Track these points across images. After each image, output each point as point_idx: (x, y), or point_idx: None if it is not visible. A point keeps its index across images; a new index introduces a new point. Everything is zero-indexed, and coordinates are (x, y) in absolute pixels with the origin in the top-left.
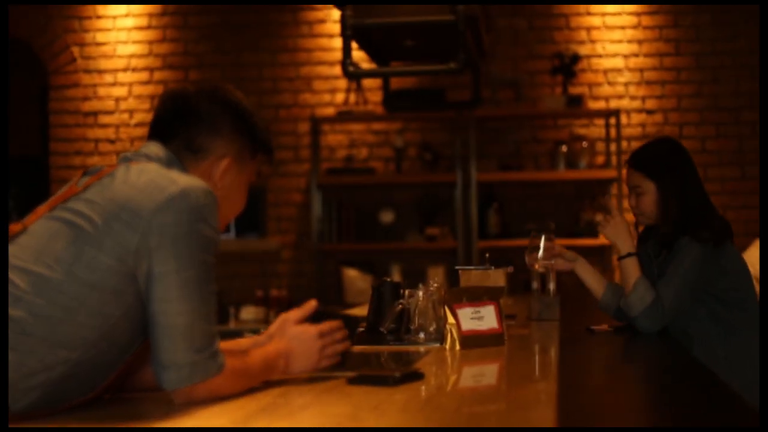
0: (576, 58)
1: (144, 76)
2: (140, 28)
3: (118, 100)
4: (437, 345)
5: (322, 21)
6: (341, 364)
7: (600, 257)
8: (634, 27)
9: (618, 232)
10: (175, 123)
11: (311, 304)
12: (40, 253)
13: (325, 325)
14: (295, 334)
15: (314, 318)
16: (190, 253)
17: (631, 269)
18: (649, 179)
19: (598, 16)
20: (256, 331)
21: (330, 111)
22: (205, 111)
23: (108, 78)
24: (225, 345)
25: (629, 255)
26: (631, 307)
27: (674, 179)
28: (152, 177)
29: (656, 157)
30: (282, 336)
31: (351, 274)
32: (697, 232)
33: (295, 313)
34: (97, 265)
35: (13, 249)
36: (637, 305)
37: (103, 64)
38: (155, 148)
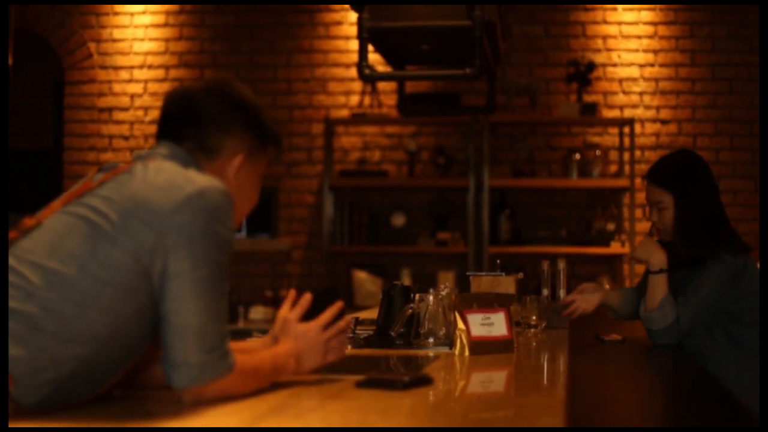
0: (591, 66)
1: (160, 73)
2: (157, 26)
3: (133, 96)
4: (446, 350)
5: (339, 23)
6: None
7: (610, 266)
8: (651, 36)
9: (648, 248)
10: (185, 124)
11: (306, 298)
12: (54, 248)
13: (326, 316)
14: (300, 332)
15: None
16: (206, 253)
17: (660, 285)
18: (670, 193)
19: (615, 25)
20: (265, 332)
21: (344, 113)
22: (214, 111)
23: (124, 74)
24: (235, 346)
25: (661, 271)
26: (652, 321)
27: (693, 192)
28: (170, 176)
29: (675, 170)
30: (288, 336)
31: (361, 276)
32: (720, 253)
33: (294, 312)
34: (111, 262)
35: (26, 243)
36: (659, 322)
37: (120, 60)
38: (169, 148)
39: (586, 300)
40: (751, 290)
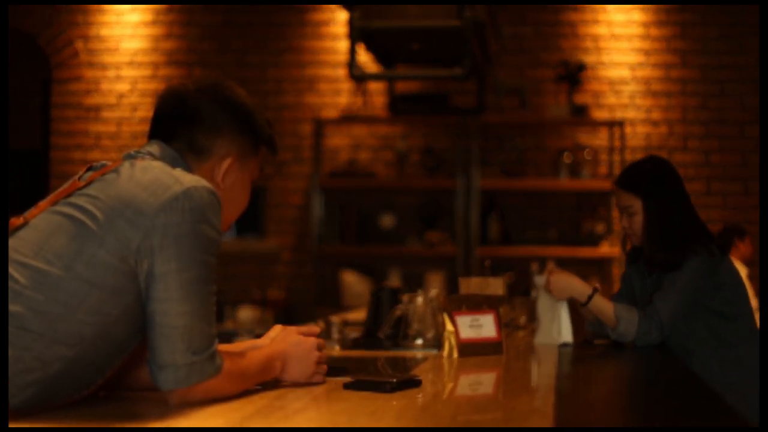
0: (581, 66)
1: (148, 71)
2: (146, 24)
3: (121, 95)
4: (435, 352)
5: (327, 22)
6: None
7: (599, 268)
8: (642, 37)
9: (567, 284)
10: (176, 123)
11: (314, 330)
12: (41, 247)
13: (320, 340)
14: (295, 340)
15: None
16: (192, 254)
17: (602, 304)
18: (638, 197)
19: (605, 26)
20: (251, 332)
21: (333, 113)
22: (205, 111)
23: (111, 73)
24: (223, 347)
25: (591, 297)
26: (624, 334)
27: (661, 196)
28: (157, 175)
29: (643, 175)
30: (282, 340)
31: (350, 277)
32: (692, 252)
33: (296, 327)
34: (97, 262)
35: (13, 243)
36: (630, 330)
37: (107, 58)
38: (159, 147)
39: (560, 290)
40: (729, 282)
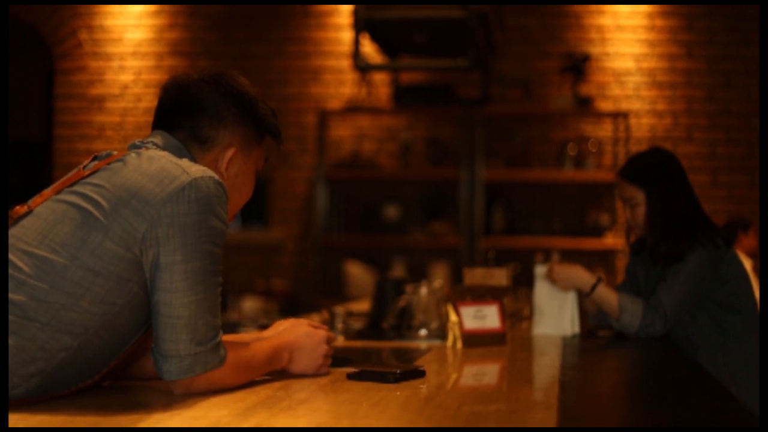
0: (586, 58)
1: (152, 62)
2: (149, 14)
3: (124, 85)
4: (439, 342)
5: (332, 13)
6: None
7: (603, 259)
8: (647, 28)
9: (570, 276)
10: (179, 114)
11: (323, 328)
12: (45, 236)
13: (331, 333)
14: (305, 332)
15: None
16: (198, 244)
17: (606, 294)
18: (641, 189)
19: (610, 16)
20: (255, 323)
21: (337, 104)
22: (208, 101)
23: (115, 63)
24: (229, 338)
25: (595, 287)
26: (628, 326)
27: (663, 188)
28: (163, 165)
29: (646, 167)
30: (291, 331)
31: (354, 268)
32: (697, 244)
33: (306, 321)
34: (102, 251)
35: (17, 231)
36: (634, 322)
37: (111, 49)
38: (163, 138)
39: (564, 280)
40: (734, 274)
